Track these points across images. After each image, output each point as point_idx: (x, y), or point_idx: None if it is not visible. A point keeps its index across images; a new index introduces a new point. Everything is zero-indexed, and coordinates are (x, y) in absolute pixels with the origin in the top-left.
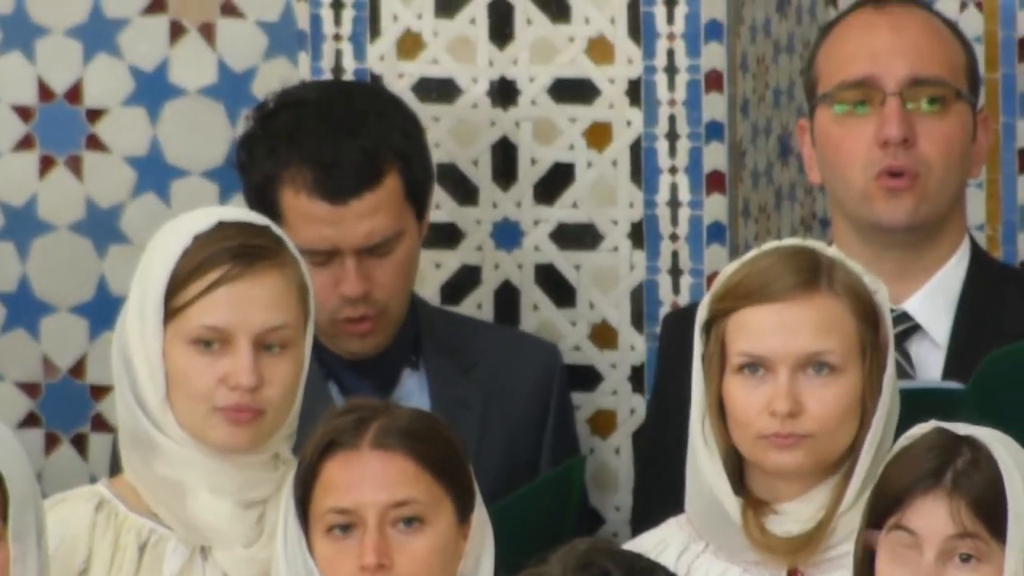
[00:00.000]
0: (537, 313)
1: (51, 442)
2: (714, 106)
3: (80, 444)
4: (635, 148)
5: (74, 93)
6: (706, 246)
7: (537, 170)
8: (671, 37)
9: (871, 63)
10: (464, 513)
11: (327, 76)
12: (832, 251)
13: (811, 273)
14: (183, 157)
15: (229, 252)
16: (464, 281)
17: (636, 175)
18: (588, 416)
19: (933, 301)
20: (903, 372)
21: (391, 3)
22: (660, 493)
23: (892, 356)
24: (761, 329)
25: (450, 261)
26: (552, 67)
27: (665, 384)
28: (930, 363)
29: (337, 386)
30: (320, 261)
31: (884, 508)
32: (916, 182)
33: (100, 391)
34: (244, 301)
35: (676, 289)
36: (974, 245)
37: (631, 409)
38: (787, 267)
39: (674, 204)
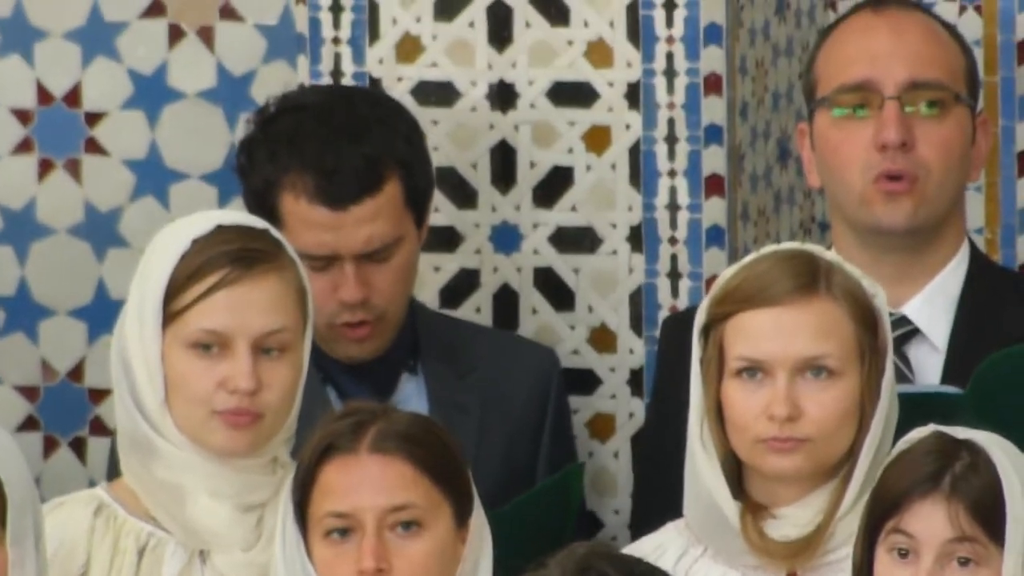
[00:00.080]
0: (536, 317)
1: (50, 446)
2: (713, 109)
3: (79, 448)
4: (634, 151)
5: (73, 96)
6: (705, 249)
7: (536, 173)
8: (670, 40)
9: (870, 67)
10: (462, 517)
11: (326, 80)
12: (830, 255)
13: (809, 277)
14: (182, 161)
15: (228, 256)
16: (463, 285)
17: (635, 178)
18: (587, 420)
19: (932, 305)
20: (902, 376)
21: (390, 6)
22: (659, 497)
23: (891, 360)
24: (759, 333)
25: (449, 264)
26: (551, 70)
27: (664, 388)
28: (929, 367)
29: (335, 391)
30: (319, 266)
31: (882, 512)
32: (915, 185)
33: (99, 395)
34: (243, 305)
35: (675, 292)
36: (973, 249)
37: (630, 413)
38: (785, 271)
39: (673, 207)
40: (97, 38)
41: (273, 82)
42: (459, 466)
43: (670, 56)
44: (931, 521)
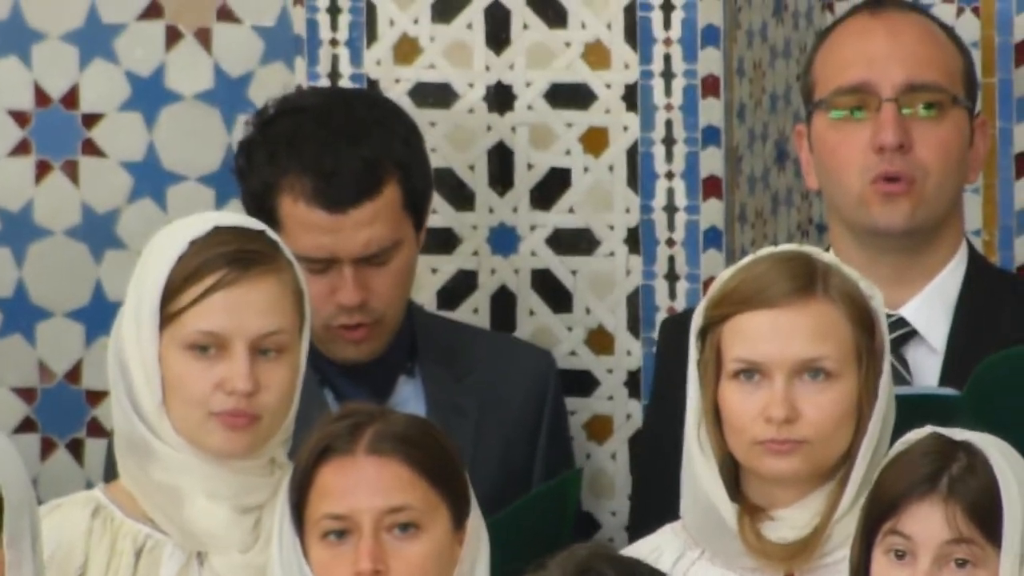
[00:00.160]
0: (533, 318)
1: (47, 447)
2: (711, 111)
3: (76, 449)
4: (631, 153)
5: (70, 98)
6: (702, 251)
7: (533, 175)
8: (667, 42)
9: (867, 69)
10: (459, 519)
11: (324, 81)
12: (828, 257)
13: (807, 279)
14: (179, 162)
15: (225, 257)
16: (460, 286)
17: (632, 180)
18: (584, 421)
19: (930, 306)
20: (900, 378)
21: (388, 8)
22: (658, 499)
23: (888, 362)
24: (757, 335)
25: (446, 266)
26: (549, 72)
27: (663, 389)
28: (927, 368)
29: (332, 393)
30: (318, 269)
31: (880, 513)
32: (913, 187)
33: (96, 396)
34: (240, 306)
35: (672, 294)
36: (971, 250)
37: (627, 414)
38: (782, 273)
39: (670, 209)
40: (95, 40)
41: (271, 84)
42: (456, 468)
43: (667, 58)
44: (928, 523)
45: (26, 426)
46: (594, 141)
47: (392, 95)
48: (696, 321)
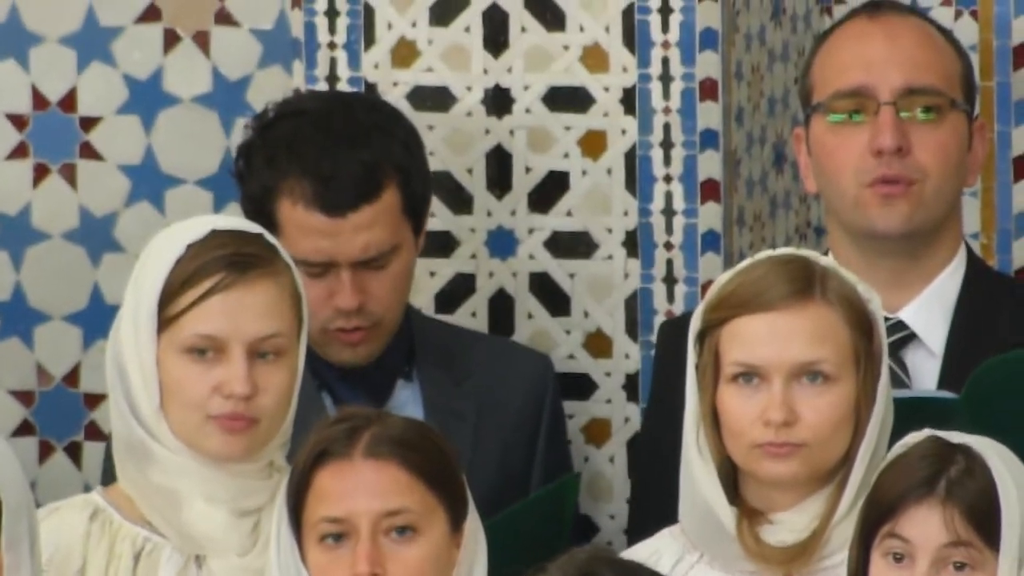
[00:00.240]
0: (531, 322)
1: (45, 450)
2: (709, 114)
3: (74, 452)
4: (630, 156)
5: (68, 101)
6: (701, 254)
7: (532, 178)
8: (666, 45)
9: (865, 72)
10: (457, 522)
11: (321, 84)
12: (826, 260)
13: (804, 282)
14: (177, 166)
15: (222, 261)
16: (458, 289)
17: (631, 183)
18: (582, 425)
19: (929, 310)
20: (899, 381)
21: (386, 11)
22: (656, 502)
23: (886, 365)
24: (755, 338)
25: (444, 269)
26: (547, 75)
27: (661, 392)
28: (926, 372)
29: (331, 397)
30: (316, 273)
31: (878, 516)
32: (911, 189)
33: (94, 399)
34: (238, 309)
35: (671, 298)
36: (970, 254)
37: (625, 418)
38: (780, 276)
39: (669, 212)
40: (92, 43)
41: (269, 87)
42: (453, 471)
43: (666, 61)
44: (926, 526)
45: (24, 429)
46: (592, 144)
47: (390, 98)
48: (694, 324)
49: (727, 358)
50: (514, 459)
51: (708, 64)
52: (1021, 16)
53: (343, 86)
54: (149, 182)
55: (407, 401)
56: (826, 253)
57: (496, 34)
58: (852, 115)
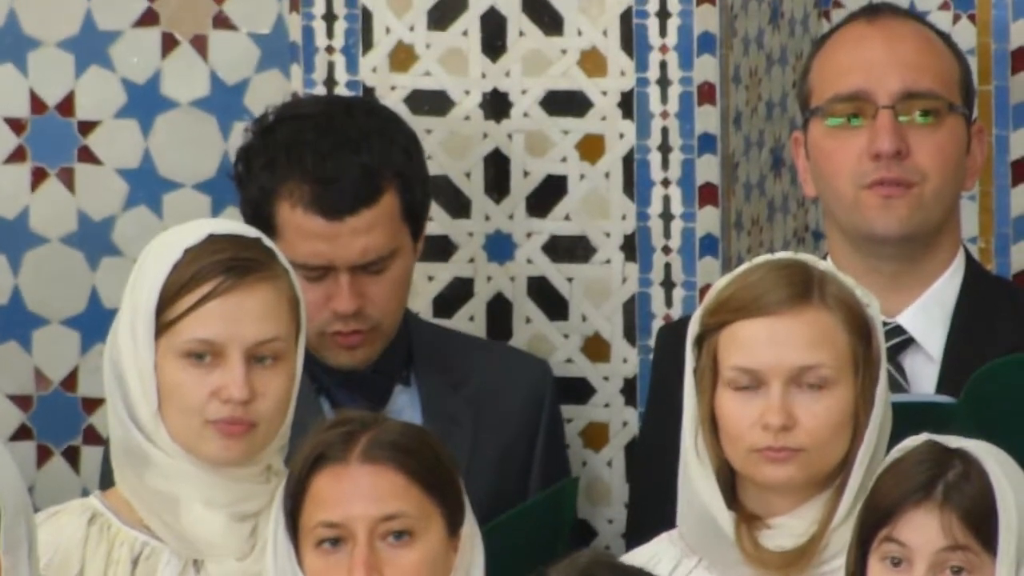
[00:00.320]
0: (529, 326)
1: (43, 455)
2: (707, 118)
3: (72, 457)
4: (627, 160)
5: (66, 105)
6: (699, 258)
7: (529, 182)
8: (664, 49)
9: (864, 76)
10: (454, 527)
11: (320, 89)
12: (824, 264)
13: (803, 286)
14: (175, 169)
15: (220, 265)
16: (456, 294)
17: (629, 187)
18: (580, 429)
19: (927, 314)
20: (897, 385)
21: (384, 15)
22: (655, 506)
23: (884, 370)
24: (753, 343)
25: (442, 274)
26: (545, 79)
27: (659, 397)
28: (924, 376)
29: (329, 401)
30: (314, 276)
31: (875, 520)
32: (910, 191)
33: (92, 403)
34: (236, 314)
35: (669, 302)
36: (968, 258)
37: (623, 422)
38: (779, 280)
39: (667, 216)
40: (90, 47)
41: (267, 91)
42: (450, 475)
43: (663, 65)
44: (924, 530)
45: (22, 433)
46: (590, 148)
47: (388, 102)
48: (692, 329)
49: (725, 362)
50: (512, 464)
51: (706, 68)
52: (1019, 20)
53: (341, 90)
54: (147, 186)
55: (405, 406)
56: (824, 257)
57: (494, 38)
58: (851, 119)
